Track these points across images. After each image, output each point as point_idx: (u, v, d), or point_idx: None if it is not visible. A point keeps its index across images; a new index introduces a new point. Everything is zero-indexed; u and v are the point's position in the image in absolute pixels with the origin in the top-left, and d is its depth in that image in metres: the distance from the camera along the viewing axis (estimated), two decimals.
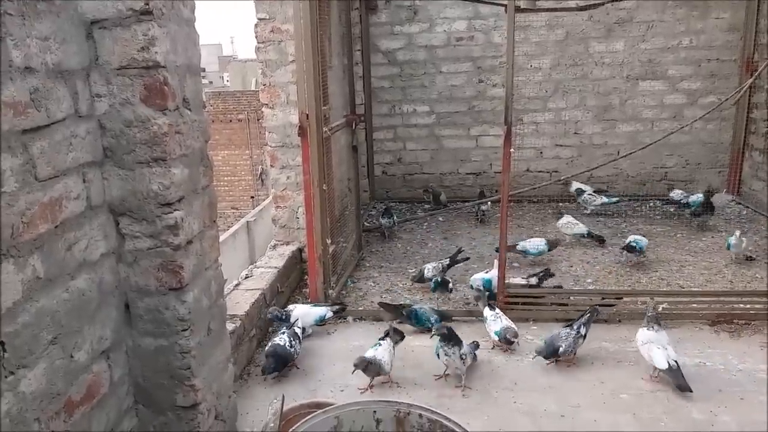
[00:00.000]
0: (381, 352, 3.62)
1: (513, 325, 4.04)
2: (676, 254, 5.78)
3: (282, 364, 3.74)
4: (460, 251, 5.50)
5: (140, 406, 2.39)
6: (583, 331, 3.83)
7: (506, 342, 3.97)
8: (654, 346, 3.61)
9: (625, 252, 5.50)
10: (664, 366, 3.52)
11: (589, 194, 7.23)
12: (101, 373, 2.12)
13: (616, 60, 7.68)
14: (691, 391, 3.42)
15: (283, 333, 3.89)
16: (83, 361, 1.99)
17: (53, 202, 1.83)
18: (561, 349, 3.72)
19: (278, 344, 3.77)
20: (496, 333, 4.01)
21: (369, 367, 3.55)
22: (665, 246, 6.00)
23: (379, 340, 3.76)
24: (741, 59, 7.37)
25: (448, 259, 5.29)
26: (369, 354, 3.61)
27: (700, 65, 7.57)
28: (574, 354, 3.84)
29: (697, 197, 6.77)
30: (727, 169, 7.68)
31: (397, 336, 3.84)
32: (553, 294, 4.73)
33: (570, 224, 6.11)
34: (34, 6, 1.73)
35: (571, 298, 4.69)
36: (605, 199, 7.19)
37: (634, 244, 5.42)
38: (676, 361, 3.53)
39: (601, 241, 6.05)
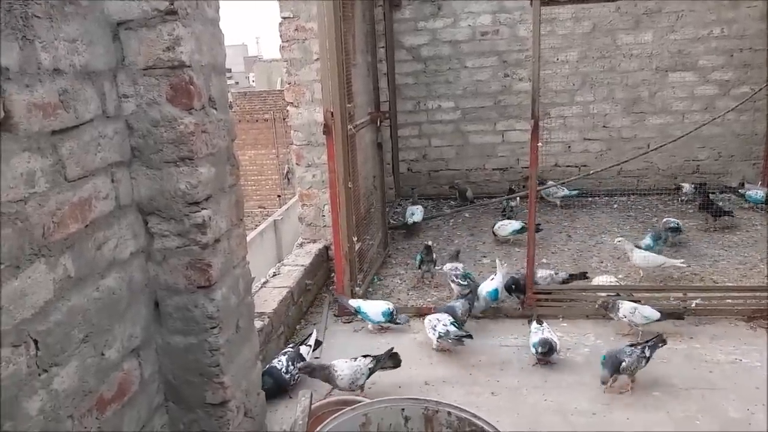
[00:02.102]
0: (342, 365, 3.42)
1: (554, 337, 3.79)
2: (709, 249, 5.65)
3: (276, 388, 3.51)
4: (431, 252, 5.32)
5: (170, 403, 2.41)
6: (648, 353, 3.48)
7: (543, 355, 3.73)
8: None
9: (668, 234, 5.57)
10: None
11: (556, 186, 7.31)
12: (132, 370, 2.14)
13: (644, 51, 7.52)
14: None
15: (285, 354, 3.68)
16: (114, 359, 2.02)
17: (83, 202, 1.86)
18: (623, 364, 3.39)
19: (274, 366, 3.57)
20: (533, 345, 3.79)
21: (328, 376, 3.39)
22: (697, 240, 5.87)
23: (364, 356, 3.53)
24: None
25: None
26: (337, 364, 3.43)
27: (732, 55, 7.38)
28: (633, 376, 3.50)
29: (757, 192, 6.71)
30: (762, 161, 7.48)
31: (390, 362, 3.61)
32: (583, 290, 4.66)
33: (503, 226, 6.20)
34: (62, 8, 1.74)
35: (601, 294, 4.61)
36: (566, 191, 7.33)
37: (675, 225, 5.68)
38: None
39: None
